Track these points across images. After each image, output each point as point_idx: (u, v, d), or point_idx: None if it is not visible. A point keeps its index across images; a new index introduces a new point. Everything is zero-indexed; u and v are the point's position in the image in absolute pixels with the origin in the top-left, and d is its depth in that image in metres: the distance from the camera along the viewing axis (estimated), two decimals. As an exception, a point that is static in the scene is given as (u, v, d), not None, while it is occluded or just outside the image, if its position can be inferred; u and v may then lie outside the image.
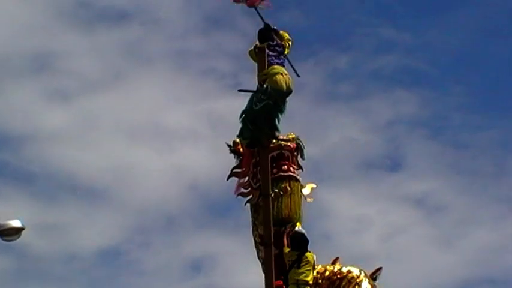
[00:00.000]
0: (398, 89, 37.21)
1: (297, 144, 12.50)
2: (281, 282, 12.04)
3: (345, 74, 35.66)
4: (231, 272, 29.46)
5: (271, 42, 12.12)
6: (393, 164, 28.48)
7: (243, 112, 12.02)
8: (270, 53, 12.11)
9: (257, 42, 12.10)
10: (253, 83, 12.11)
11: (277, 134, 12.01)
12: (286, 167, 12.22)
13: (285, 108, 12.01)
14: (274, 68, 12.00)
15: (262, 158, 11.92)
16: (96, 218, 35.48)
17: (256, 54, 11.98)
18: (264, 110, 11.88)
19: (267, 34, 12.26)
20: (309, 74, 30.14)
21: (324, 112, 30.68)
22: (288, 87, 11.88)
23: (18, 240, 14.69)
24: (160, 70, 37.55)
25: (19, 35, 36.51)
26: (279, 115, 11.97)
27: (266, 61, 11.97)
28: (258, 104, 11.88)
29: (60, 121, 35.91)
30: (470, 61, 37.63)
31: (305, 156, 12.54)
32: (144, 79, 36.96)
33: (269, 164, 11.97)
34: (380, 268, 12.09)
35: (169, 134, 36.32)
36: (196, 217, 35.07)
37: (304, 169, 12.46)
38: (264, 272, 11.98)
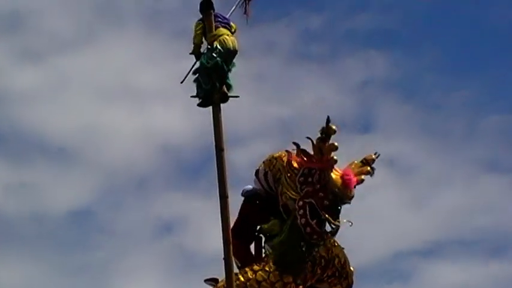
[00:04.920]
0: (371, 50, 36.51)
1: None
2: None
3: (318, 34, 35.21)
4: (202, 233, 28.84)
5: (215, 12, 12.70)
6: (365, 125, 28.43)
7: (196, 71, 12.59)
8: (216, 18, 12.71)
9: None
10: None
11: (228, 92, 12.43)
12: None
13: (233, 67, 12.63)
14: (221, 30, 12.65)
15: (215, 116, 12.32)
16: (66, 178, 34.85)
17: (205, 19, 12.55)
18: (215, 67, 12.45)
19: (208, 3, 12.80)
20: (281, 34, 30.48)
21: (295, 72, 29.74)
22: (234, 47, 12.55)
23: None
24: (132, 30, 36.74)
25: None
26: (229, 73, 12.55)
27: (214, 25, 12.61)
28: (209, 61, 12.46)
29: (30, 81, 35.29)
30: (442, 21, 37.23)
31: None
32: (116, 39, 36.38)
33: (221, 122, 12.34)
34: (338, 226, 12.39)
35: (141, 95, 35.37)
36: (168, 178, 34.70)
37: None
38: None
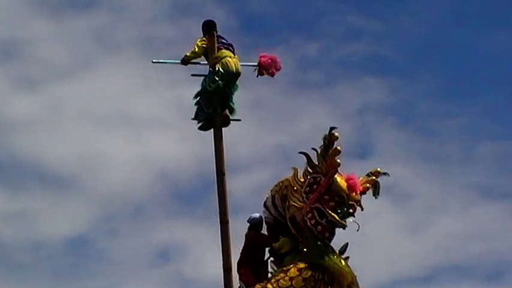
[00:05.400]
0: (367, 77, 37.18)
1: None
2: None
3: (315, 61, 35.66)
4: (200, 260, 29.44)
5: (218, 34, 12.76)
6: (363, 152, 28.32)
7: (197, 94, 12.53)
8: (220, 39, 12.70)
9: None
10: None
11: (230, 115, 12.46)
12: None
13: (236, 90, 12.60)
14: (223, 52, 12.57)
15: (216, 139, 12.34)
16: (63, 206, 34.77)
17: (207, 40, 12.60)
18: (217, 91, 12.42)
19: (209, 25, 12.93)
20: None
21: (294, 100, 30.49)
22: (237, 69, 12.50)
23: None
24: (128, 57, 36.45)
25: None
26: (232, 95, 12.54)
27: (216, 46, 12.60)
28: (211, 85, 12.42)
29: (27, 109, 35.21)
30: (437, 49, 37.69)
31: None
32: (112, 66, 36.29)
33: (223, 146, 12.40)
34: (347, 243, 12.55)
35: (137, 122, 35.41)
36: (165, 205, 34.68)
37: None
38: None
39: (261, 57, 13.00)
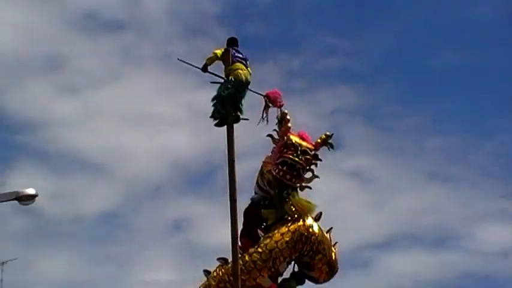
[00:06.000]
0: (339, 85, 45.58)
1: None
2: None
3: (298, 72, 42.98)
4: (206, 230, 35.25)
5: (237, 48, 14.80)
6: (335, 144, 31.08)
7: (214, 98, 14.73)
8: (235, 53, 14.73)
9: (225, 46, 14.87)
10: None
11: (240, 114, 14.58)
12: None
13: (245, 95, 14.66)
14: (237, 65, 14.67)
15: (229, 134, 14.45)
16: (98, 187, 43.09)
17: (223, 54, 14.66)
18: (229, 96, 14.54)
19: (233, 41, 15.00)
20: (268, 72, 34.89)
21: None
22: (247, 79, 14.65)
23: (33, 204, 16.74)
24: (149, 69, 44.64)
25: (39, 40, 43.45)
26: (241, 100, 14.62)
27: (230, 59, 14.66)
28: (225, 91, 14.55)
29: (70, 110, 42.94)
30: (395, 63, 47.18)
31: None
32: (136, 76, 44.18)
33: (233, 139, 14.45)
34: (321, 212, 15.03)
35: (156, 121, 43.73)
36: (177, 187, 43.03)
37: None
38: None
39: (268, 92, 15.03)
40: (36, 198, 16.90)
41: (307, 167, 14.95)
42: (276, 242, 14.66)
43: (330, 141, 15.13)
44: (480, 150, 47.25)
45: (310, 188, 15.02)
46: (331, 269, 15.03)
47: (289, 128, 14.88)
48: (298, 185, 14.88)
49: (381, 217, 42.11)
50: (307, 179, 14.95)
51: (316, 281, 15.22)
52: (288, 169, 14.69)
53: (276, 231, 14.85)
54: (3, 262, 29.33)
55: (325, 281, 15.19)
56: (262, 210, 15.12)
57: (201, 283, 15.11)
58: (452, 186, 45.80)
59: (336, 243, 15.17)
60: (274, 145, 15.01)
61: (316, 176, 15.05)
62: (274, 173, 14.72)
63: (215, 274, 14.86)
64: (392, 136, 46.74)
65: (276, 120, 15.06)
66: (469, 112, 47.68)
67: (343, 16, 48.36)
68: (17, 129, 47.84)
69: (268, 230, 15.08)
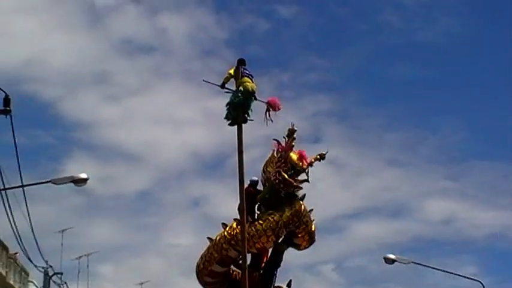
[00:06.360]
0: (319, 94, 60.70)
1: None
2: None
3: (287, 84, 55.71)
4: (218, 205, 45.61)
5: (244, 66, 17.86)
6: (315, 139, 43.30)
7: (228, 104, 17.74)
8: (244, 70, 17.72)
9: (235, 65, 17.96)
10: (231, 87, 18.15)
11: (248, 116, 17.50)
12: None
13: (252, 102, 17.59)
14: (245, 79, 17.66)
15: (239, 132, 17.37)
16: (134, 172, 54.89)
17: (235, 70, 17.75)
18: (239, 102, 17.46)
19: (242, 62, 18.01)
20: (263, 85, 41.36)
21: None
22: (253, 89, 17.67)
23: (85, 186, 20.15)
24: (174, 82, 57.29)
25: (88, 60, 55.26)
26: (250, 106, 17.53)
27: (240, 73, 17.73)
28: (236, 98, 17.49)
29: (112, 113, 55.29)
30: (363, 75, 60.41)
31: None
32: (164, 87, 56.75)
33: (242, 135, 17.27)
34: (304, 194, 18.21)
35: (179, 121, 56.95)
36: (196, 171, 56.45)
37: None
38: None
39: (269, 99, 17.81)
40: (88, 181, 20.16)
41: (295, 185, 17.79)
42: (275, 220, 17.77)
43: (323, 156, 18.01)
44: (427, 142, 61.10)
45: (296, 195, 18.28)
46: (311, 238, 18.25)
47: (293, 146, 17.77)
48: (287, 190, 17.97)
49: (351, 194, 55.81)
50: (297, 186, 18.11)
51: (298, 247, 18.37)
52: (280, 182, 17.72)
53: (275, 213, 17.85)
54: (62, 230, 33.89)
55: (305, 247, 18.31)
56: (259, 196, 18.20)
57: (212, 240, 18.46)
58: (405, 170, 59.62)
59: (312, 210, 18.39)
60: (280, 149, 17.77)
61: (301, 188, 18.09)
62: (272, 179, 17.77)
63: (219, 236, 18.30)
64: (359, 132, 60.56)
65: (268, 113, 17.82)
66: (418, 113, 61.91)
67: (322, 41, 63.00)
68: (72, 128, 58.45)
69: (266, 205, 18.17)
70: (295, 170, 17.78)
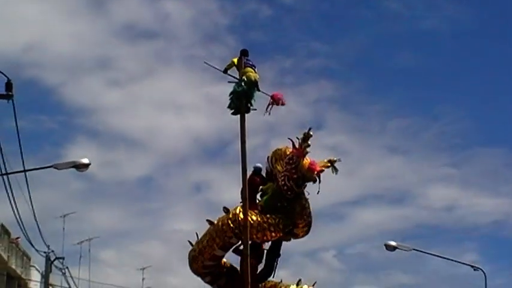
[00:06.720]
0: (321, 80, 62.12)
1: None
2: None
3: (289, 70, 57.87)
4: (219, 191, 47.00)
5: (247, 57, 18.02)
6: (317, 125, 40.20)
7: (231, 92, 17.84)
8: (246, 61, 17.94)
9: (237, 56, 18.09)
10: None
11: (250, 106, 17.61)
12: None
13: (255, 92, 17.74)
14: (248, 69, 17.87)
15: (242, 121, 17.48)
16: (137, 157, 56.51)
17: (239, 60, 17.89)
18: (243, 91, 17.63)
19: (245, 52, 18.18)
20: (266, 71, 42.49)
21: None
22: (255, 79, 17.84)
23: (87, 171, 20.47)
24: (176, 67, 59.05)
25: (90, 45, 56.45)
26: (253, 95, 17.68)
27: (243, 64, 17.90)
28: (239, 88, 17.64)
29: (115, 99, 56.48)
30: (365, 62, 61.76)
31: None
32: (166, 73, 57.65)
33: (245, 124, 17.37)
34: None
35: (181, 107, 58.29)
36: (197, 157, 57.61)
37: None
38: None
39: (274, 93, 17.80)
40: (90, 166, 20.44)
41: (298, 193, 17.61)
42: (274, 218, 17.87)
43: (334, 165, 17.60)
44: (429, 130, 62.89)
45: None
46: (308, 229, 18.34)
47: (307, 153, 17.42)
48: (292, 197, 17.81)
49: (353, 181, 55.72)
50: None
51: (295, 236, 18.42)
52: (289, 186, 17.49)
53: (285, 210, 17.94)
54: (64, 215, 34.18)
55: (302, 236, 18.37)
56: (261, 187, 18.23)
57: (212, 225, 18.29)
58: (408, 157, 61.63)
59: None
60: (293, 151, 17.46)
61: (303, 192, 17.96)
62: (279, 182, 17.62)
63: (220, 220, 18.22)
64: (362, 119, 62.73)
65: (271, 107, 17.80)
66: (421, 100, 63.07)
67: (325, 27, 64.35)
68: (75, 114, 57.92)
69: (271, 207, 17.96)
70: (305, 178, 17.65)
